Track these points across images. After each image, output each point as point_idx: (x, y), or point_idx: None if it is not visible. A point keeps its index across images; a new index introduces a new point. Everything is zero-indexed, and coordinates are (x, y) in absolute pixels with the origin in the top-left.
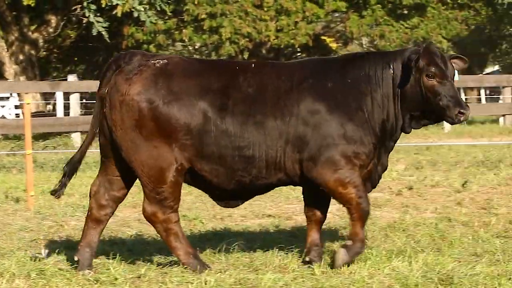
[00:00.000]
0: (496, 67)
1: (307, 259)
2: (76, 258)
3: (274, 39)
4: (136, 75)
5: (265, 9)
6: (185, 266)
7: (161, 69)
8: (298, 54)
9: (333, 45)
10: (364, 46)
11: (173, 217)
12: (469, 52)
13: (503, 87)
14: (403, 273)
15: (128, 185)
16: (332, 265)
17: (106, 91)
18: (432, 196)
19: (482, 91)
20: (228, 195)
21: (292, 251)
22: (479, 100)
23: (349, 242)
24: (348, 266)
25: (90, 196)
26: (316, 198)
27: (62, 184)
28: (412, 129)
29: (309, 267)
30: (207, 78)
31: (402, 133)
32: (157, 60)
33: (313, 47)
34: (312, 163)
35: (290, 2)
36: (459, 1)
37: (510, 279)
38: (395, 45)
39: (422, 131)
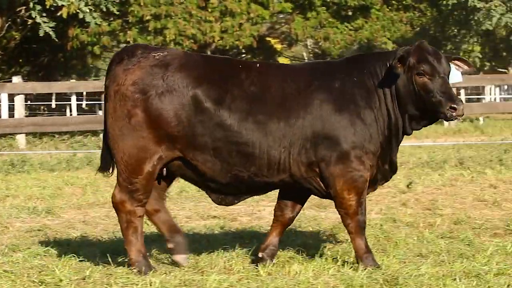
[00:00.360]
0: None
1: (259, 255)
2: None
3: (219, 40)
4: (135, 65)
5: (210, 10)
6: (131, 263)
7: (159, 60)
8: (243, 55)
9: (278, 47)
10: (309, 47)
11: (139, 211)
12: None
13: None
14: (348, 274)
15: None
16: None
17: (107, 83)
18: (377, 197)
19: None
20: (224, 189)
21: (237, 252)
22: None
23: (358, 262)
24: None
25: None
26: (293, 202)
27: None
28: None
29: (256, 265)
30: (205, 70)
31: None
32: (158, 53)
33: (258, 48)
34: (325, 164)
35: (234, 3)
36: (403, 2)
37: (455, 279)
38: (339, 47)
39: None
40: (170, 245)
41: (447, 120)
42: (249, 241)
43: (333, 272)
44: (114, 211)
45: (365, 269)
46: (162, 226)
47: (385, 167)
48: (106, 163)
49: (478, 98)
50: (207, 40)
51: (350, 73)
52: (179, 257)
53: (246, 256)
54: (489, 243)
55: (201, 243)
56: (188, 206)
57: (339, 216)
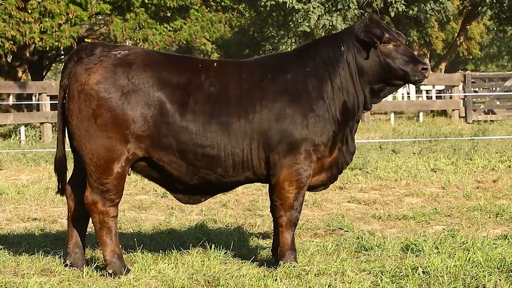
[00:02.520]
0: None
1: None
2: (68, 262)
3: (39, 41)
4: (96, 65)
5: (29, 11)
6: (106, 264)
7: (122, 59)
8: (62, 56)
9: None
10: None
11: (112, 211)
12: (233, 53)
13: None
14: (170, 275)
15: None
16: None
17: (66, 82)
18: None
19: None
20: (191, 190)
21: (57, 254)
22: None
23: (280, 257)
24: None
25: (66, 197)
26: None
27: (62, 183)
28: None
29: None
30: (168, 71)
31: None
32: (118, 51)
33: None
34: (278, 156)
35: (54, 4)
36: (222, 3)
37: (276, 280)
38: (159, 48)
39: None
40: (68, 260)
41: (415, 84)
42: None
43: (154, 273)
44: (89, 212)
45: (283, 265)
46: (73, 237)
47: (343, 149)
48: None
49: None
50: (27, 41)
51: (301, 63)
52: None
53: (64, 258)
54: (309, 243)
55: (22, 246)
56: (9, 208)
57: (157, 218)
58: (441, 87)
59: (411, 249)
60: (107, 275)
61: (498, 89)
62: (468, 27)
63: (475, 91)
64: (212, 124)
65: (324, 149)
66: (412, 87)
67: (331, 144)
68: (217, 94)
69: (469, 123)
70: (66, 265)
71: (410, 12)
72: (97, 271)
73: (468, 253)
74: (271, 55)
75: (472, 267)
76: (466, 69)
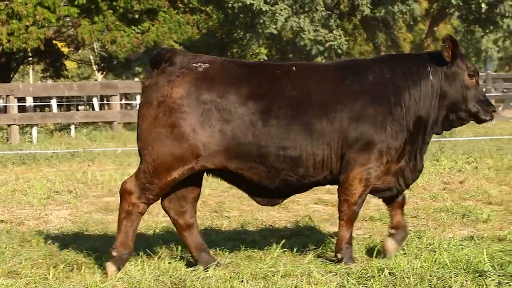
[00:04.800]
0: None
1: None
2: (202, 268)
3: (6, 43)
4: (179, 77)
5: None
6: (110, 253)
7: (204, 74)
8: (30, 58)
9: (65, 50)
10: (95, 50)
11: (142, 208)
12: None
13: None
14: (136, 278)
15: (199, 181)
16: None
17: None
18: None
19: None
20: (272, 192)
21: (24, 256)
22: None
23: (336, 250)
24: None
25: (166, 211)
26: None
27: None
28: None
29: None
30: (249, 83)
31: None
32: (199, 63)
33: (45, 51)
34: (352, 154)
35: (21, 6)
36: (190, 5)
37: (242, 281)
38: (126, 50)
39: None
40: (201, 266)
41: (480, 123)
42: (37, 245)
43: (120, 275)
44: (120, 197)
45: (340, 260)
46: (191, 243)
47: (410, 164)
48: None
49: None
50: None
51: (381, 69)
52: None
53: (33, 260)
54: (276, 244)
55: None
56: None
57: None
58: None
59: (378, 250)
60: (110, 257)
61: None
62: (436, 28)
63: None
64: (294, 125)
65: (394, 154)
66: None
67: (400, 152)
68: (298, 97)
69: None
70: (207, 271)
71: (377, 14)
72: (63, 273)
73: (435, 254)
74: (349, 60)
75: (439, 268)
76: None
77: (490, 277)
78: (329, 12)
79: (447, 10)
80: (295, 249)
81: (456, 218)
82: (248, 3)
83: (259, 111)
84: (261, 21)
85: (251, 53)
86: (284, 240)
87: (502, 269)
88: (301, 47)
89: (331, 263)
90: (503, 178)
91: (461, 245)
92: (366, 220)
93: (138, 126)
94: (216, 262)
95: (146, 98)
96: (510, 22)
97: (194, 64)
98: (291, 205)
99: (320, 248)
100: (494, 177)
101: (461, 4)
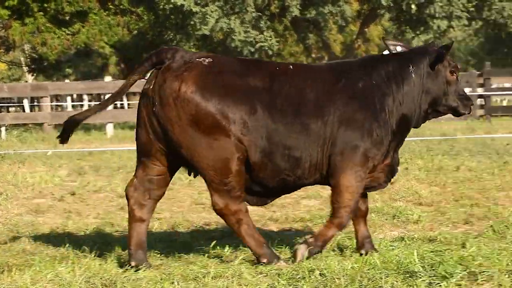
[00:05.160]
0: None
1: (362, 252)
2: (133, 264)
3: None
4: (186, 72)
5: None
6: (259, 257)
7: (210, 67)
8: None
9: None
10: (26, 52)
11: (243, 207)
12: (131, 57)
13: None
14: (67, 279)
15: (168, 182)
16: (292, 260)
17: (150, 87)
18: (95, 202)
19: None
20: (267, 192)
21: None
22: None
23: (311, 239)
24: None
25: (128, 198)
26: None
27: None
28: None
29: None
30: (254, 76)
31: None
32: (202, 58)
33: None
34: (340, 159)
35: None
36: (121, 6)
37: (173, 283)
38: (57, 52)
39: (85, 136)
40: (132, 262)
41: (461, 115)
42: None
43: (51, 277)
44: (221, 218)
45: (304, 254)
46: (134, 237)
47: (392, 162)
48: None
49: None
50: None
51: (369, 73)
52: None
53: None
54: (207, 246)
55: None
56: None
57: (54, 222)
58: None
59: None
60: (261, 263)
61: None
62: (366, 29)
63: None
64: (295, 125)
65: (379, 158)
66: None
67: (385, 153)
68: (297, 96)
69: None
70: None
71: (308, 15)
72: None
73: (365, 255)
74: (339, 62)
75: (369, 269)
76: None
77: (420, 277)
78: (259, 13)
79: (378, 11)
80: (226, 250)
81: (386, 219)
82: (179, 5)
83: (265, 103)
84: (191, 22)
85: None
86: (215, 241)
87: (433, 269)
88: (232, 48)
89: (262, 264)
90: (433, 179)
91: (391, 245)
92: (296, 222)
93: (170, 135)
94: (147, 264)
95: (162, 100)
96: (440, 23)
97: (197, 59)
98: None
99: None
100: (424, 178)
101: (391, 5)
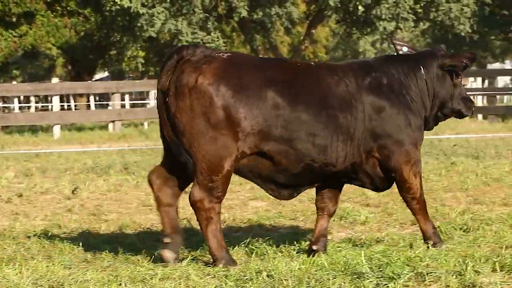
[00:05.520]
0: (106, 74)
1: (314, 247)
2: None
3: None
4: (205, 64)
5: None
6: (215, 259)
7: (229, 61)
8: None
9: None
10: None
11: (217, 208)
12: (78, 58)
13: (112, 93)
14: (14, 281)
15: (189, 177)
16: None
17: (168, 81)
18: (42, 203)
19: (92, 98)
20: (291, 180)
21: None
22: (89, 106)
23: (423, 238)
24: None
25: (151, 184)
26: (333, 195)
27: None
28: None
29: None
30: (272, 71)
31: None
32: (221, 54)
33: None
34: (388, 152)
35: None
36: (68, 8)
37: (120, 284)
38: (4, 54)
39: (32, 138)
40: (166, 240)
41: (463, 118)
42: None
43: None
44: (193, 210)
45: (434, 246)
46: (166, 221)
47: None
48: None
49: (142, 103)
50: None
51: (391, 71)
52: (167, 253)
53: None
54: (155, 247)
55: None
56: None
57: (1, 224)
58: None
59: (256, 252)
60: (216, 264)
61: None
62: (313, 31)
63: None
64: (322, 115)
65: (420, 146)
66: None
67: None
68: (322, 89)
69: None
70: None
71: (255, 16)
72: None
73: (313, 256)
74: (364, 60)
75: (317, 270)
76: None
77: (368, 278)
78: (207, 14)
79: (325, 12)
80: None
81: (334, 220)
82: (126, 6)
83: (286, 95)
84: (138, 24)
85: (128, 56)
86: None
87: (380, 270)
88: None
89: (210, 266)
90: None
91: (339, 247)
92: (244, 223)
93: (176, 122)
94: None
95: (177, 89)
96: (386, 24)
97: (217, 54)
98: None
99: (199, 251)
100: None
101: (339, 6)
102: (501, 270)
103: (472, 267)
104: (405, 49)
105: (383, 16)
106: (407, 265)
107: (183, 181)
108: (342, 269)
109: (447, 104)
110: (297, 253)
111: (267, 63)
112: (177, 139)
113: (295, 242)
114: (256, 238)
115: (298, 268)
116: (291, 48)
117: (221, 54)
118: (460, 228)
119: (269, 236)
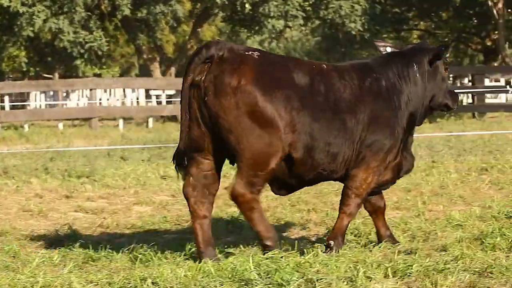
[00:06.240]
0: None
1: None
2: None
3: None
4: (243, 63)
5: None
6: (265, 241)
7: (263, 60)
8: None
9: None
10: None
11: (258, 197)
12: None
13: None
14: None
15: (220, 175)
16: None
17: (202, 78)
18: None
19: None
20: (298, 185)
21: None
22: None
23: (331, 237)
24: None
25: (187, 198)
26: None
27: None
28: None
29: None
30: (297, 70)
31: None
32: (250, 52)
33: None
34: (368, 155)
35: None
36: None
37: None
38: None
39: None
40: (205, 259)
41: (447, 111)
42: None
43: None
44: (235, 203)
45: (332, 248)
46: (200, 234)
47: (406, 157)
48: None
49: (23, 105)
50: None
51: (385, 72)
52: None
53: None
54: (35, 254)
55: None
56: None
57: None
58: (172, 92)
59: (140, 259)
60: (266, 249)
61: None
62: (199, 29)
63: None
64: (335, 122)
65: (395, 153)
66: (141, 91)
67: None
68: (335, 93)
69: None
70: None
71: (139, 14)
72: None
73: (199, 263)
74: (359, 62)
75: (203, 277)
76: None
77: (256, 285)
78: (89, 13)
79: (211, 10)
80: (55, 259)
81: (221, 225)
82: (5, 6)
83: (311, 98)
84: (18, 23)
85: (8, 56)
86: (43, 249)
87: (269, 277)
88: (61, 49)
89: (93, 273)
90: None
91: (226, 252)
92: (128, 228)
93: (221, 121)
94: (218, 259)
95: (216, 89)
96: (275, 22)
97: (246, 53)
98: (51, 213)
99: (81, 257)
100: None
101: (226, 3)
102: (393, 276)
103: (364, 273)
104: (388, 49)
105: (272, 14)
106: (297, 271)
107: (214, 188)
108: (229, 275)
109: (437, 97)
110: (183, 259)
111: (291, 63)
112: (221, 137)
113: (180, 248)
114: (141, 244)
115: (184, 275)
116: (176, 48)
117: (250, 52)
118: (351, 233)
119: (154, 242)
